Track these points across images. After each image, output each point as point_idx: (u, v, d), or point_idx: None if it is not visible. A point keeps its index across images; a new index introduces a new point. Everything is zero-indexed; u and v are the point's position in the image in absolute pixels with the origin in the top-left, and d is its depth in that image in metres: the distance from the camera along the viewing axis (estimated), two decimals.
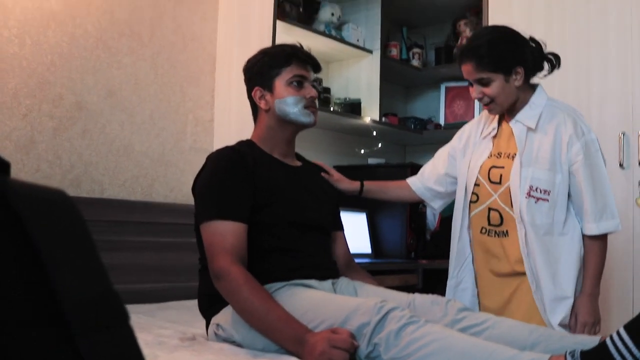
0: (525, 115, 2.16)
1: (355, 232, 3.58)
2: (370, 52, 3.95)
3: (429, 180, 2.47)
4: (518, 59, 2.13)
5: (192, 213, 1.98)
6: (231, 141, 2.10)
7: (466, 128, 2.45)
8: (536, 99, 2.18)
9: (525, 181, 2.11)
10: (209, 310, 1.97)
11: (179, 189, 3.27)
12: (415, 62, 4.31)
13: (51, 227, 0.60)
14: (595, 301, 2.10)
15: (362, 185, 2.43)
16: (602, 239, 2.11)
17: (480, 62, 2.11)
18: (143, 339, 1.84)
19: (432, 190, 2.47)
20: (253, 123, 2.15)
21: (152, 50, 3.21)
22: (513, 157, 2.15)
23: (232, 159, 1.93)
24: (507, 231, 2.17)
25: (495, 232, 2.19)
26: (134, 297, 2.77)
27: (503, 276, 2.20)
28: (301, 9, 3.65)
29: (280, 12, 3.36)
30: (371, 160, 3.99)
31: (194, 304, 2.81)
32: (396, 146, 4.51)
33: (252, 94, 2.08)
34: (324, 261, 2.06)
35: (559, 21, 3.02)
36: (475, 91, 2.18)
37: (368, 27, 3.99)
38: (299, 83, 2.04)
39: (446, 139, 4.21)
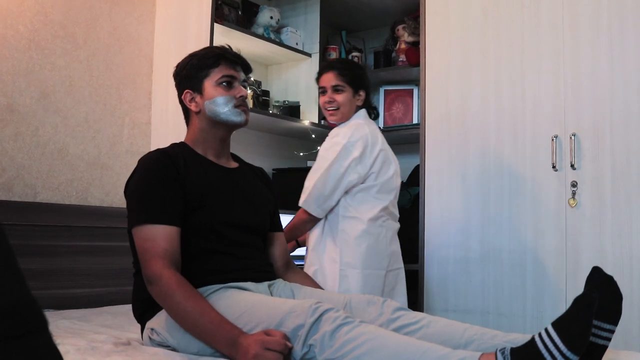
0: (335, 131, 2.68)
1: None
2: (309, 55, 3.98)
3: None
4: (363, 85, 2.74)
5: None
6: (168, 144, 2.08)
7: None
8: (351, 119, 2.70)
9: None
10: (143, 314, 1.95)
11: (115, 192, 3.23)
12: None
13: None
14: None
15: (297, 241, 2.92)
16: (301, 211, 2.64)
17: (341, 72, 2.68)
18: (76, 344, 1.81)
19: None
20: None
21: (87, 51, 3.16)
22: None
23: (161, 162, 1.91)
24: None
25: None
26: (68, 302, 2.72)
27: None
28: (240, 12, 3.65)
29: (219, 15, 3.35)
30: (310, 163, 3.99)
31: (129, 308, 2.77)
32: None
33: (183, 97, 2.07)
34: (260, 263, 2.06)
35: (494, 26, 3.10)
36: (327, 97, 2.70)
37: (307, 31, 4.02)
38: (228, 83, 2.04)
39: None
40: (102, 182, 3.19)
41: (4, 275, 0.60)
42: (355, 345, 1.53)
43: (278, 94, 4.03)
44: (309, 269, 2.64)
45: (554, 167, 2.88)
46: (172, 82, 2.14)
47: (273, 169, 3.97)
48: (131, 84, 3.37)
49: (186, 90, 2.06)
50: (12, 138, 2.84)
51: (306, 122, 3.82)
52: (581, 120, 2.84)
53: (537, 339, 1.49)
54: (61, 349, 0.65)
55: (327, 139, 2.67)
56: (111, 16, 3.28)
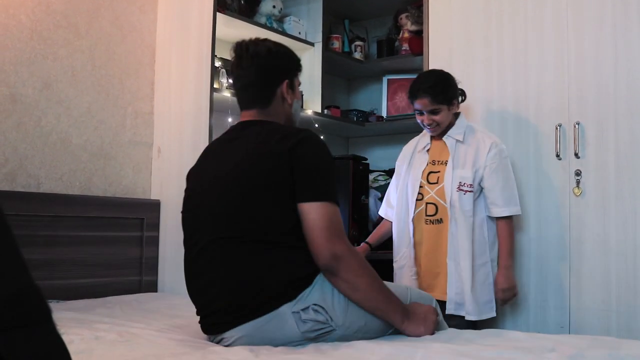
0: (454, 133, 2.81)
1: None
2: (312, 44, 3.96)
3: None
4: (455, 94, 2.82)
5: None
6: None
7: (404, 150, 3.02)
8: (460, 122, 2.83)
9: (455, 179, 2.75)
10: (295, 291, 1.82)
11: (118, 182, 3.23)
12: (357, 55, 4.34)
13: None
14: (509, 271, 2.72)
15: (369, 244, 3.01)
16: (509, 220, 2.74)
17: (435, 98, 2.73)
18: (80, 334, 1.82)
19: None
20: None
21: (90, 41, 3.15)
22: (445, 163, 2.79)
23: None
24: (441, 219, 2.77)
25: (431, 220, 2.78)
26: (72, 292, 2.73)
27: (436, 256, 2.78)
28: (242, 1, 3.63)
29: (221, 4, 3.34)
30: None
31: (133, 298, 2.78)
32: (339, 138, 4.54)
33: (283, 83, 2.06)
34: None
35: (497, 15, 3.08)
36: (426, 119, 2.78)
37: (310, 20, 4.00)
38: None
39: (388, 131, 4.29)
40: (105, 172, 3.19)
41: (8, 265, 0.60)
42: None
43: None
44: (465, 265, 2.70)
45: (558, 156, 2.87)
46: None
47: None
48: (134, 74, 3.36)
49: (287, 80, 2.08)
50: (14, 128, 2.84)
51: (309, 112, 3.81)
52: (585, 108, 2.83)
53: None
54: (65, 338, 0.66)
55: (495, 145, 2.75)
56: (113, 6, 3.27)
